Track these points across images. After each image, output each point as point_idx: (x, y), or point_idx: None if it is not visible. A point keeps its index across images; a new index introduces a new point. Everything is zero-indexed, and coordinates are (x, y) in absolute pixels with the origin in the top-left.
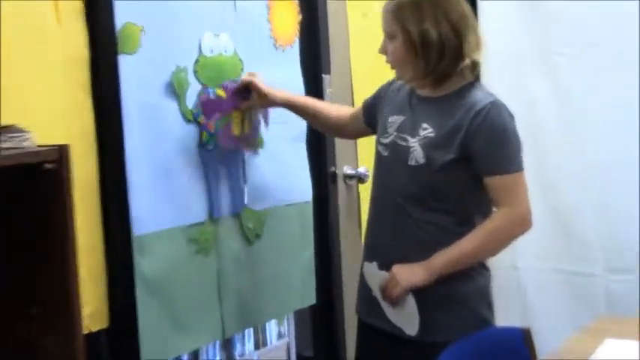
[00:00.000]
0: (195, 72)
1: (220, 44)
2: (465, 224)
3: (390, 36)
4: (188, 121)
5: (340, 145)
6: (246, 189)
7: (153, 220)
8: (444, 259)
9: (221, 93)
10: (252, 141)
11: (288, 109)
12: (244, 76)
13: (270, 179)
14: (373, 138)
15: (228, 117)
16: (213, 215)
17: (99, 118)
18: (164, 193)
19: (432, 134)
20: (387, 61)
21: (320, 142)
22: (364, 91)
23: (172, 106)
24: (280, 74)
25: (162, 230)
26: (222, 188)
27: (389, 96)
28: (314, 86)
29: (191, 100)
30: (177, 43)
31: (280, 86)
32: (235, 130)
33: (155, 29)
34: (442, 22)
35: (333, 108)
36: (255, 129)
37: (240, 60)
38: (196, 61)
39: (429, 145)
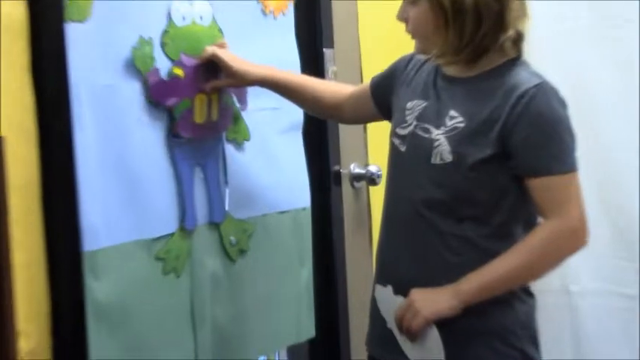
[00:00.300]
0: (162, 45)
1: (195, 10)
2: (503, 239)
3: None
4: (154, 106)
5: (347, 137)
6: (227, 192)
7: (108, 232)
8: (475, 283)
9: (178, 72)
10: (221, 129)
11: (266, 88)
12: (207, 49)
13: (257, 180)
14: (388, 128)
15: (187, 101)
16: (185, 226)
17: (41, 103)
18: (123, 197)
19: (461, 124)
20: (408, 31)
21: (321, 134)
22: (377, 70)
23: (134, 88)
24: (270, 48)
25: (120, 245)
26: (197, 191)
27: (407, 74)
28: (313, 63)
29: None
30: (141, 8)
31: (271, 63)
32: (197, 117)
33: None
34: None
35: (327, 85)
36: (226, 114)
37: (220, 30)
38: (164, 32)
39: (458, 139)
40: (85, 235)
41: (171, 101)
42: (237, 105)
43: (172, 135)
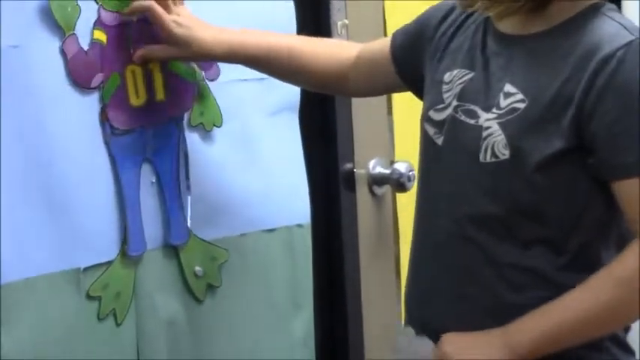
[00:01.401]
0: None
1: None
2: (585, 270)
3: None
4: (78, 86)
5: (363, 121)
6: (189, 201)
7: (19, 260)
8: (535, 330)
9: (99, 36)
10: (174, 111)
11: (232, 62)
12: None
13: (233, 184)
14: (418, 112)
15: (116, 77)
16: (128, 251)
17: None
18: (39, 213)
19: (521, 104)
20: None
21: (326, 116)
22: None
23: (51, 51)
24: None
25: (35, 278)
26: (145, 201)
27: (445, 32)
28: (315, 14)
29: (85, 37)
30: None
31: (253, 16)
32: (133, 98)
33: None
34: None
35: (323, 45)
36: (181, 89)
37: None
38: None
39: (517, 126)
40: None
41: (95, 80)
42: (200, 73)
43: (106, 124)
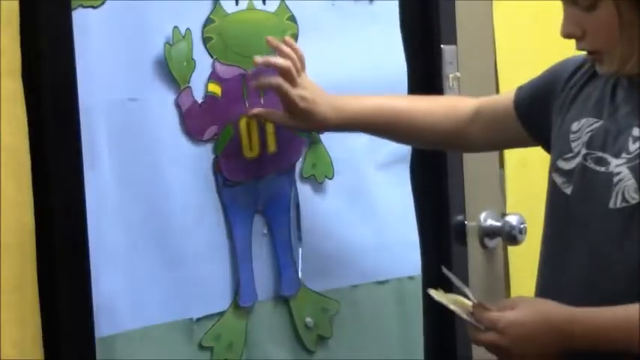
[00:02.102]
0: (206, 41)
1: None
2: None
3: (584, 3)
4: (192, 138)
5: (475, 174)
6: (301, 253)
7: (133, 310)
8: (590, 327)
9: (214, 88)
10: (285, 164)
11: (354, 132)
12: (259, 58)
13: (344, 235)
14: (534, 158)
15: (229, 129)
16: (240, 302)
17: (36, 125)
18: (153, 263)
19: None
20: (583, 48)
21: (437, 169)
22: (520, 76)
23: (167, 103)
24: (363, 45)
25: (149, 328)
26: (257, 252)
27: (574, 85)
28: (426, 66)
29: (199, 90)
30: None
31: (364, 67)
32: (247, 151)
33: None
34: None
35: (437, 104)
36: (291, 142)
37: (292, 18)
38: (208, 21)
39: None
40: (99, 315)
41: (208, 132)
42: None
43: (219, 175)
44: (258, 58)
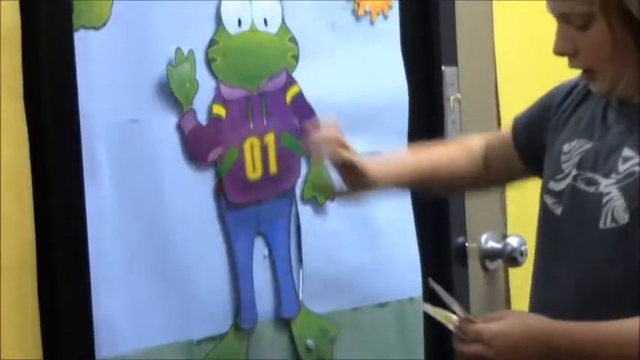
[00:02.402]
0: (209, 62)
1: (256, 11)
2: None
3: (578, 22)
4: (194, 160)
5: (474, 196)
6: (302, 275)
7: (133, 331)
8: (575, 341)
9: (219, 111)
10: (286, 185)
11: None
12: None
13: (345, 257)
14: (535, 182)
15: (234, 151)
16: (241, 324)
17: (38, 145)
18: (154, 284)
19: (639, 167)
20: (576, 65)
21: None
22: (521, 98)
23: (169, 125)
24: (365, 66)
25: (150, 349)
26: (258, 274)
27: (566, 109)
28: (427, 88)
29: (202, 111)
30: (177, 9)
31: (365, 87)
32: (250, 172)
33: None
34: None
35: (455, 151)
36: (291, 163)
37: (293, 39)
38: (212, 42)
39: (635, 188)
40: (99, 336)
41: (212, 155)
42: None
43: (221, 197)
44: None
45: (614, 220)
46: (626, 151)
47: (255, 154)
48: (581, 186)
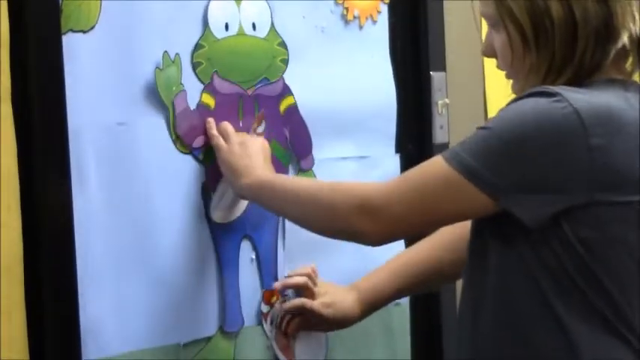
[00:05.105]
0: (195, 66)
1: (244, 15)
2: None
3: (490, 24)
4: (186, 155)
5: None
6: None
7: (119, 334)
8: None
9: (207, 100)
10: None
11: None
12: (278, 284)
13: (329, 261)
14: None
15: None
16: (227, 327)
17: (26, 148)
18: (140, 288)
19: None
20: (498, 67)
21: None
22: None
23: (158, 127)
24: (353, 71)
25: (135, 352)
26: (245, 277)
27: None
28: (415, 93)
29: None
30: (165, 13)
31: (353, 91)
32: None
33: None
34: None
35: (450, 244)
36: (279, 172)
37: (283, 44)
38: (198, 47)
39: None
40: (86, 339)
41: (197, 141)
42: (295, 161)
43: (208, 200)
44: (278, 284)
45: None
46: None
47: None
48: None
